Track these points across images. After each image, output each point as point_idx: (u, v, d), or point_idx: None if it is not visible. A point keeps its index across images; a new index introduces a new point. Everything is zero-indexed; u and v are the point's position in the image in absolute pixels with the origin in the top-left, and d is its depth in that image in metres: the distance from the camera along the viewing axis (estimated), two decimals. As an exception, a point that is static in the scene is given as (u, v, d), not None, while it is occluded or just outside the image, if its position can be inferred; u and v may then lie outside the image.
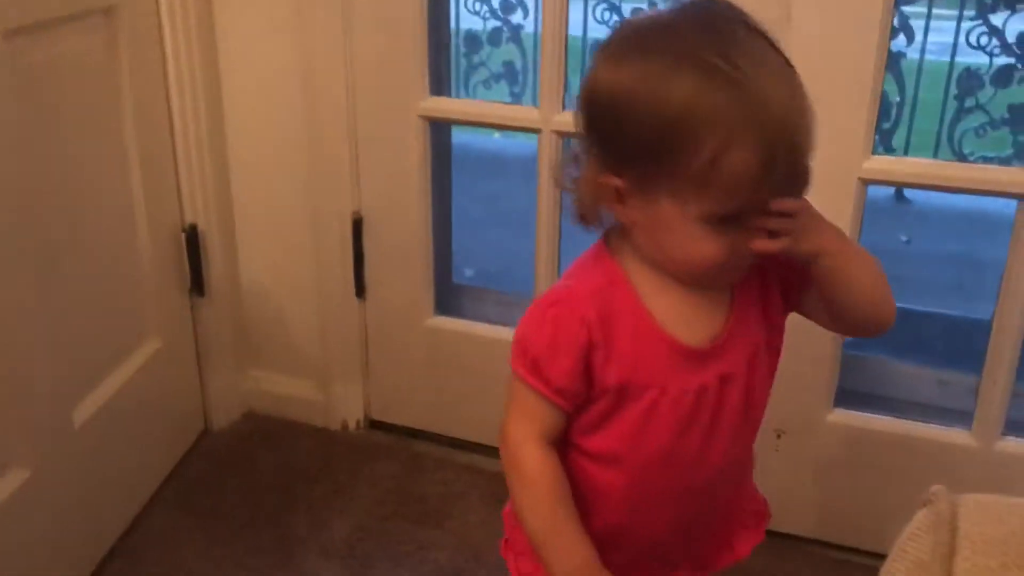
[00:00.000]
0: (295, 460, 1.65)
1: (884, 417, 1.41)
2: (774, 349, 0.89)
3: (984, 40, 2.69)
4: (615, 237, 0.84)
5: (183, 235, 1.59)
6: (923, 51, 2.89)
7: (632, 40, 0.77)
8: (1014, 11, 2.65)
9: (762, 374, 0.87)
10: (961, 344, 1.88)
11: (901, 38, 2.70)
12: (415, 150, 1.53)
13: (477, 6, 3.24)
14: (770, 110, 0.71)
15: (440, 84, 1.56)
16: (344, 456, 1.66)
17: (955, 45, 2.87)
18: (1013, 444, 1.36)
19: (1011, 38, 2.66)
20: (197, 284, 1.62)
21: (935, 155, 2.90)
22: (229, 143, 1.62)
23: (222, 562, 1.42)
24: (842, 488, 1.44)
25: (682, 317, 0.82)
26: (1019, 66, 2.71)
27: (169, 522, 1.50)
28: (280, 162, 1.61)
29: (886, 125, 2.84)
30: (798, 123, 0.72)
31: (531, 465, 0.84)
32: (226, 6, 1.54)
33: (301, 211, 1.63)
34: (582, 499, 0.86)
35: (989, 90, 2.74)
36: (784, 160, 0.72)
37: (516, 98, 3.25)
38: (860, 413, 1.42)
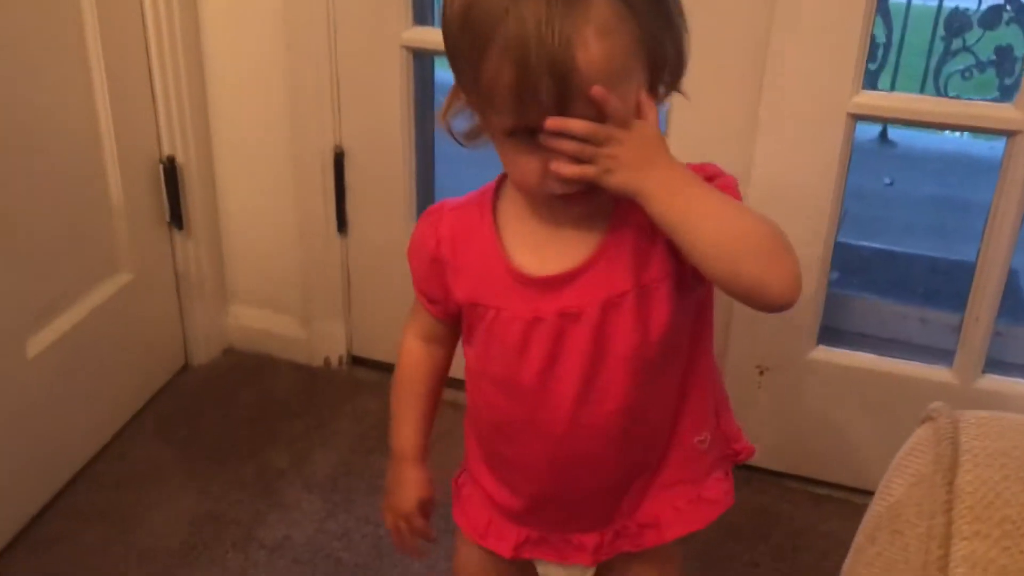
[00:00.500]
0: (277, 396, 1.65)
1: (866, 354, 1.42)
2: (663, 296, 0.81)
3: (973, -20, 2.66)
4: None
5: (161, 167, 1.56)
6: (911, -8, 2.87)
7: None
8: (1004, -49, 2.62)
9: (626, 323, 0.80)
10: (942, 284, 1.89)
11: (890, -23, 2.67)
12: (398, 82, 1.50)
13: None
14: (524, 25, 0.68)
15: (424, 11, 1.53)
16: (326, 392, 1.66)
17: (944, -17, 2.84)
18: (993, 381, 1.37)
19: (1000, -22, 2.63)
20: (176, 217, 1.60)
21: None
22: (208, 74, 1.58)
23: (202, 493, 1.42)
24: (823, 425, 1.45)
25: (531, 246, 0.82)
26: (1008, 7, 2.68)
27: (148, 454, 1.50)
28: (260, 94, 1.58)
29: (872, 66, 2.81)
30: (554, 43, 0.68)
31: (401, 352, 0.96)
32: (203, -70, 1.50)
33: (282, 144, 1.60)
34: (470, 416, 0.94)
35: (977, 31, 2.71)
36: (541, 78, 0.69)
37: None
38: (842, 350, 1.43)
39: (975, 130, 1.29)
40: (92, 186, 1.45)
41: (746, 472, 1.50)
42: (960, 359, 1.37)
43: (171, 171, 1.56)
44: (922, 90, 2.89)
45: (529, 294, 0.82)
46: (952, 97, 2.85)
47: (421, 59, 1.55)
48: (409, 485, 0.97)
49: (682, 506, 0.92)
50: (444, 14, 0.76)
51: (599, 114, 0.71)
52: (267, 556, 1.32)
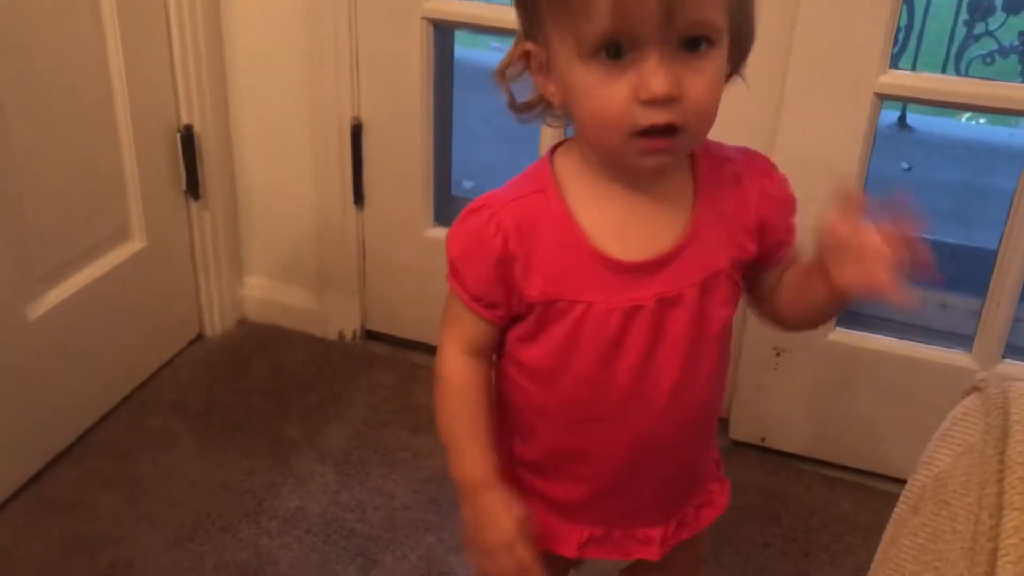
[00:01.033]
0: (290, 368, 1.65)
1: (884, 337, 1.41)
2: (741, 275, 0.82)
3: (999, -36, 2.63)
4: (561, 148, 0.81)
5: (178, 135, 1.55)
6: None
7: None
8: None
9: (721, 303, 0.80)
10: (962, 271, 1.87)
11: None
12: (418, 54, 1.49)
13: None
14: None
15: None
16: (340, 365, 1.66)
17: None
18: (1013, 367, 1.36)
19: (1026, -38, 2.60)
20: (192, 187, 1.59)
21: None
22: (226, 44, 1.57)
23: (215, 464, 1.42)
24: (838, 407, 1.45)
25: (616, 229, 0.77)
26: (1033, -9, 2.65)
27: (161, 422, 1.50)
28: (279, 64, 1.57)
29: (893, 50, 2.79)
30: None
31: (445, 369, 0.84)
32: None
33: (300, 116, 1.59)
34: (523, 419, 0.86)
35: (1000, 16, 2.68)
36: None
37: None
38: (860, 332, 1.42)
39: (1000, 112, 1.27)
40: (105, 153, 1.44)
41: (759, 453, 1.50)
42: (979, 344, 1.36)
43: (188, 140, 1.56)
44: (943, 73, 2.86)
45: (622, 282, 0.77)
46: (975, 80, 2.82)
47: (442, 31, 1.53)
48: (500, 511, 0.82)
49: (719, 475, 0.94)
50: None
51: (701, 22, 0.69)
52: (280, 527, 1.32)
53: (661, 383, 0.80)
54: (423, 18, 1.46)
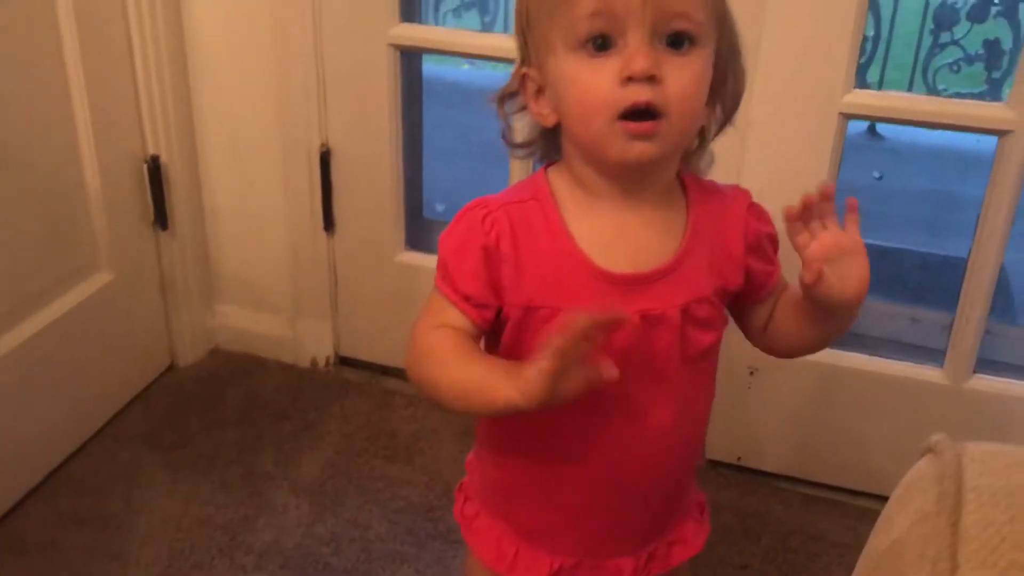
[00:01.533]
0: (263, 397, 1.63)
1: (856, 354, 1.41)
2: (718, 311, 0.83)
3: (961, -25, 2.66)
4: (552, 167, 0.82)
5: (145, 166, 1.53)
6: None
7: None
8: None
9: (703, 329, 0.81)
10: (933, 281, 1.89)
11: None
12: (385, 80, 1.48)
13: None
14: None
15: (411, 9, 1.51)
16: (313, 393, 1.64)
17: (933, -23, 2.84)
18: (984, 382, 1.36)
19: (988, -28, 2.63)
20: (160, 217, 1.58)
21: (909, 90, 2.89)
22: (192, 73, 1.56)
23: (188, 498, 1.41)
24: (814, 425, 1.45)
25: (606, 244, 0.78)
26: (995, 1, 2.68)
27: (133, 456, 1.48)
28: (246, 92, 1.56)
29: (861, 59, 2.81)
30: None
31: (424, 339, 0.79)
32: (186, -75, 1.47)
33: (268, 143, 1.58)
34: (499, 439, 0.86)
35: (965, 25, 2.72)
36: None
37: (487, 27, 3.17)
38: (832, 350, 1.42)
39: (966, 130, 1.28)
40: (71, 186, 1.43)
41: (736, 472, 1.50)
42: (951, 360, 1.36)
43: (155, 171, 1.54)
44: (911, 83, 2.89)
45: (607, 294, 0.77)
46: (941, 90, 2.86)
47: (409, 56, 1.53)
48: (540, 382, 0.69)
49: (696, 516, 0.94)
50: None
51: (682, 13, 0.72)
52: (255, 562, 1.30)
53: (641, 404, 0.80)
54: (389, 44, 1.46)
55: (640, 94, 0.71)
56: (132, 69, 1.48)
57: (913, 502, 0.36)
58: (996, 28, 2.70)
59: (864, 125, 2.96)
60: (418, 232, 1.67)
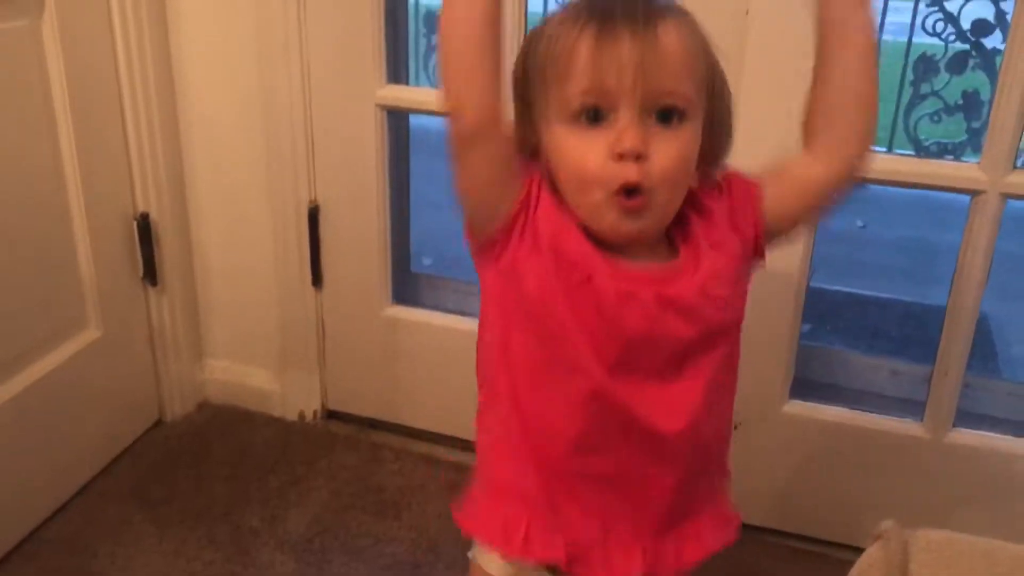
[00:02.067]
0: (251, 451, 1.64)
1: (838, 408, 1.43)
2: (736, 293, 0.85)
3: (940, 27, 2.71)
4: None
5: (135, 223, 1.55)
6: (880, 31, 2.91)
7: None
8: (968, -2, 2.67)
9: (721, 307, 0.83)
10: (915, 331, 1.91)
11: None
12: (372, 139, 1.51)
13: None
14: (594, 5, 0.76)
15: (398, 68, 1.54)
16: (301, 447, 1.65)
17: (912, 27, 2.89)
18: (963, 435, 1.37)
19: (966, 25, 2.68)
20: (150, 273, 1.59)
21: (890, 142, 2.93)
22: (182, 130, 1.59)
23: (175, 554, 1.40)
24: (798, 478, 1.46)
25: (610, 250, 0.80)
26: (973, 53, 2.73)
27: (120, 512, 1.48)
28: (235, 150, 1.58)
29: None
30: (637, 16, 0.75)
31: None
32: (177, -11, 1.50)
33: (256, 199, 1.60)
34: (518, 396, 0.85)
35: (944, 76, 2.76)
36: (622, 34, 0.74)
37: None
38: (815, 404, 1.44)
39: (941, 189, 1.30)
40: (60, 243, 1.44)
41: (722, 526, 1.50)
42: (930, 413, 1.38)
43: (145, 228, 1.56)
44: (892, 133, 2.93)
45: (620, 273, 0.79)
46: (922, 139, 2.90)
47: (396, 114, 1.56)
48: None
49: (720, 522, 0.94)
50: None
51: (671, 90, 0.75)
52: (240, 619, 1.30)
53: (653, 387, 0.81)
54: (377, 105, 1.49)
55: (630, 174, 0.75)
56: (123, 127, 1.51)
57: (866, 589, 0.38)
58: (974, 80, 2.74)
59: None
60: (405, 286, 1.69)
